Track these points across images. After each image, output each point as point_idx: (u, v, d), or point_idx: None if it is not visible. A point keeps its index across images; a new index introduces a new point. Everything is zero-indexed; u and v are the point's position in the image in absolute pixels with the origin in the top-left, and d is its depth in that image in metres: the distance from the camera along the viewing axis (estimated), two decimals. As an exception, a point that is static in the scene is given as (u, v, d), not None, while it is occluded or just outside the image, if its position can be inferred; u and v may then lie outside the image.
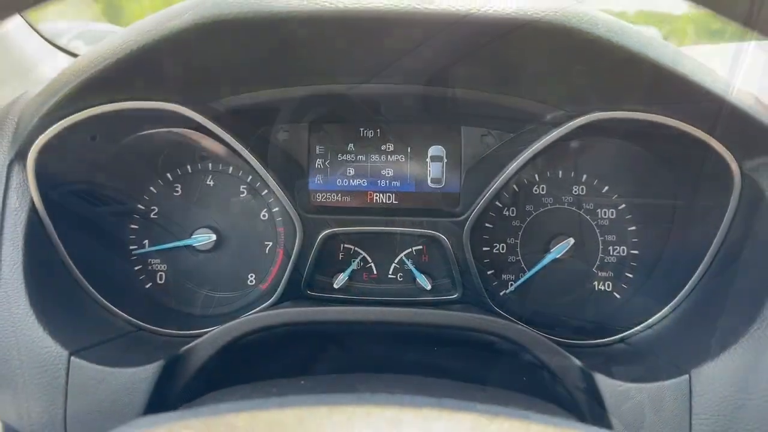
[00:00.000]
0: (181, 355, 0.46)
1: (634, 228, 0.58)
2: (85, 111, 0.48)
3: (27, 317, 0.44)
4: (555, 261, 0.58)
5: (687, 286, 0.51)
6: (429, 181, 0.58)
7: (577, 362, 0.45)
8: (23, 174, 0.48)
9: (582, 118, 0.49)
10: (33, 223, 0.48)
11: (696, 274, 0.50)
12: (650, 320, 0.53)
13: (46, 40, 0.73)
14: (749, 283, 0.45)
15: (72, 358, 0.43)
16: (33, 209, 0.48)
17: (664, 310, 0.52)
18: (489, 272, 0.59)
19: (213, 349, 0.46)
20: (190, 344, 0.46)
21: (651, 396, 0.43)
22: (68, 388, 0.42)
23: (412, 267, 0.58)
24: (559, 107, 0.51)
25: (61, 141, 0.48)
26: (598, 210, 0.58)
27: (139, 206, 0.59)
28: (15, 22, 0.70)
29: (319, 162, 0.58)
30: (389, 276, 0.59)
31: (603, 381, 0.44)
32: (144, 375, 0.44)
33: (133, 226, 0.59)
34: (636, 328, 0.53)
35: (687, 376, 0.43)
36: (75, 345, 0.44)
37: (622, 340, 0.53)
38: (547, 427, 0.29)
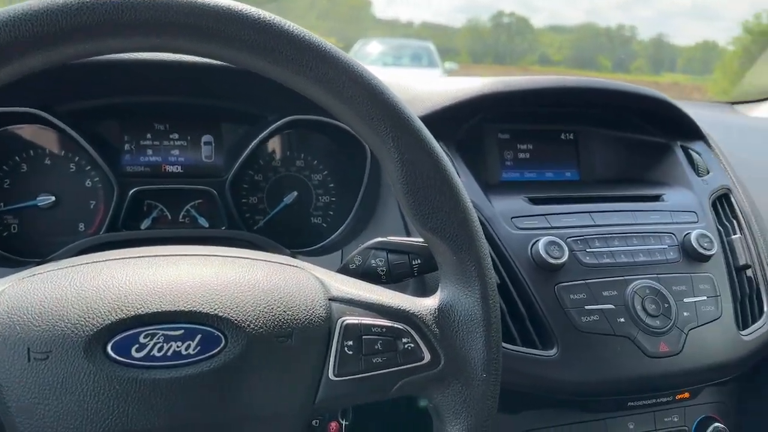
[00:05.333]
0: (49, 259, 0.74)
1: (333, 185, 0.97)
2: None
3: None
4: (288, 206, 0.94)
5: (353, 211, 0.91)
6: (203, 157, 0.91)
7: (288, 251, 0.83)
8: None
9: (285, 119, 0.86)
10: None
11: (356, 204, 0.91)
12: (337, 232, 0.92)
13: None
14: (370, 200, 0.87)
15: None
16: None
17: (343, 226, 0.92)
18: (246, 215, 0.93)
19: (70, 253, 0.75)
20: (55, 254, 0.75)
21: (320, 261, 0.81)
22: None
23: (195, 213, 0.90)
24: (275, 112, 0.88)
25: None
26: (312, 175, 0.96)
27: (-6, 178, 0.83)
28: None
29: (128, 145, 0.88)
30: (180, 220, 0.91)
31: (300, 256, 0.82)
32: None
33: (-9, 193, 0.83)
34: (331, 237, 0.92)
35: (341, 250, 0.83)
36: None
37: (322, 245, 0.92)
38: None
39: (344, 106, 0.52)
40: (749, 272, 0.86)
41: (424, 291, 0.77)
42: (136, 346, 0.45)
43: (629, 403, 0.78)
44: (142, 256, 0.51)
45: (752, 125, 1.36)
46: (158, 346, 0.45)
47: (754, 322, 0.83)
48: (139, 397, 0.44)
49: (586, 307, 0.74)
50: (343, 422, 0.72)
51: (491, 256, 0.76)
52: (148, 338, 0.45)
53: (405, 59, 10.23)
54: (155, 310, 0.46)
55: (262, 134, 0.86)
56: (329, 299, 0.52)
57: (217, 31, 0.46)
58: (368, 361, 0.51)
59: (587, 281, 0.75)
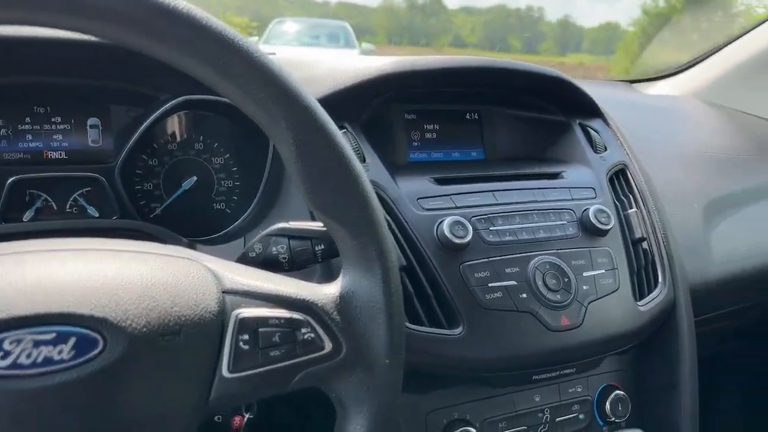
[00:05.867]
0: None
1: (235, 168, 0.93)
2: None
3: None
4: (186, 192, 0.89)
5: (257, 196, 0.88)
6: (90, 142, 0.84)
7: (186, 240, 0.79)
8: None
9: (178, 99, 0.81)
10: None
11: (260, 188, 0.87)
12: (241, 218, 0.88)
13: None
14: (275, 183, 0.84)
15: None
16: None
17: (247, 211, 0.88)
18: (141, 203, 0.88)
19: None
20: None
21: (221, 249, 0.78)
22: None
23: (83, 202, 0.84)
24: (168, 91, 0.83)
25: None
26: (212, 158, 0.91)
27: None
28: None
29: (4, 130, 0.80)
30: (67, 210, 0.84)
31: (200, 246, 0.78)
32: None
33: None
34: (235, 224, 0.88)
35: (243, 237, 0.80)
36: None
37: (225, 232, 0.88)
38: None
39: (232, 86, 0.49)
40: (644, 245, 0.90)
41: (331, 277, 0.75)
42: (0, 353, 0.40)
43: (534, 377, 0.80)
44: (9, 253, 0.47)
45: (648, 102, 1.43)
46: (26, 352, 0.41)
47: (649, 292, 0.87)
48: (7, 410, 0.40)
49: (490, 284, 0.74)
50: (247, 415, 0.70)
51: (398, 238, 0.75)
52: (14, 344, 0.41)
53: (322, 39, 10.13)
54: (21, 314, 0.41)
55: (154, 116, 0.81)
56: (222, 292, 0.49)
57: (80, 3, 0.42)
58: (265, 354, 0.49)
59: (491, 259, 0.76)
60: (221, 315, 0.48)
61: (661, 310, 0.86)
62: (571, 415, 0.85)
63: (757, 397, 1.63)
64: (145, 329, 0.44)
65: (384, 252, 0.53)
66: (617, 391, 0.87)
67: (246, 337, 0.48)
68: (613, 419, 0.86)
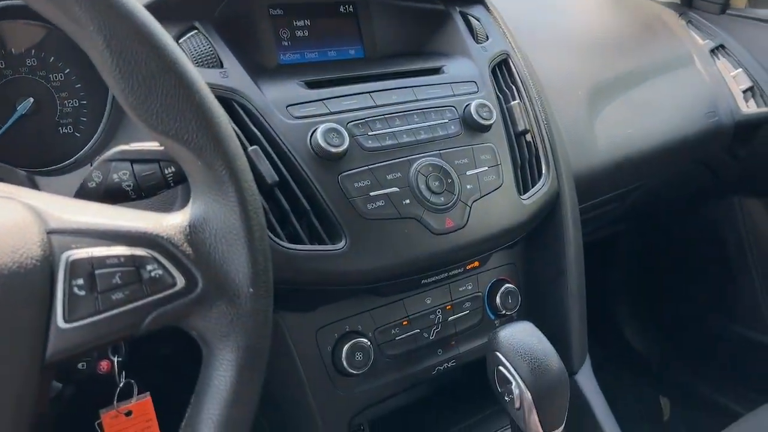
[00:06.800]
0: None
1: (79, 85, 0.80)
2: None
3: None
4: (24, 116, 0.78)
5: (105, 116, 0.78)
6: None
7: (23, 172, 0.69)
8: None
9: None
10: None
11: (107, 107, 0.77)
12: (90, 142, 0.78)
13: None
14: None
15: None
16: None
17: (96, 134, 0.78)
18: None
19: None
20: None
21: (65, 180, 0.69)
22: None
23: None
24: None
25: None
26: (50, 75, 0.79)
27: None
28: None
29: None
30: None
31: (40, 178, 0.69)
32: None
33: None
34: (83, 150, 0.78)
35: (89, 164, 0.71)
36: None
37: (74, 159, 0.78)
38: None
39: None
40: (528, 137, 0.88)
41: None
42: None
43: (423, 281, 0.79)
44: None
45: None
46: None
47: (533, 185, 0.86)
48: None
49: (371, 193, 0.70)
50: (116, 359, 0.65)
51: (267, 152, 0.69)
52: None
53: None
54: None
55: None
56: (47, 232, 0.43)
57: None
58: (106, 298, 0.43)
59: (370, 166, 0.72)
60: (48, 259, 0.41)
61: (546, 201, 0.86)
62: (463, 313, 0.86)
63: (644, 275, 1.75)
64: None
65: (235, 170, 0.48)
66: (507, 285, 0.88)
67: (80, 281, 0.42)
68: (504, 312, 0.87)
